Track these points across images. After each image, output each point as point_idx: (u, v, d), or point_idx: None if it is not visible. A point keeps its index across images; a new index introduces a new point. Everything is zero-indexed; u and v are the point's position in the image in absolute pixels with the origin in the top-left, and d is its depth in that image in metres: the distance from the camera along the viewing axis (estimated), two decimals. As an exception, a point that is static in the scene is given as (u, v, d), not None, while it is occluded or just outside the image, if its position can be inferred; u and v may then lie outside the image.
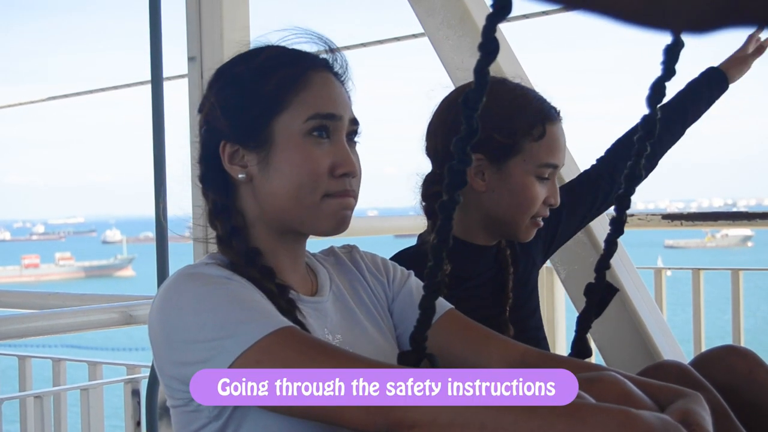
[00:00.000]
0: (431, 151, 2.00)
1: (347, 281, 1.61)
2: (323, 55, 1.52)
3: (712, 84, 2.36)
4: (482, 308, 1.73)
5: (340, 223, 1.47)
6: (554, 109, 1.97)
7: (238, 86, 1.47)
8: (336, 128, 1.46)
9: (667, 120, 2.28)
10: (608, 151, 2.27)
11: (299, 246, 1.53)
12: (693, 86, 2.35)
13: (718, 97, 2.38)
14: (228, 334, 1.29)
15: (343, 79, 1.53)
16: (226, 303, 1.33)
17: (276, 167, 1.44)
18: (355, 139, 1.51)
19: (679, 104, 2.33)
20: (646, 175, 2.28)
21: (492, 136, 1.89)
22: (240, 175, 1.46)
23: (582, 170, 2.34)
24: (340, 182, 1.45)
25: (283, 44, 1.53)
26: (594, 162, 2.29)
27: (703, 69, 2.38)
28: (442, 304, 1.61)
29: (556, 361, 1.53)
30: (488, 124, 1.78)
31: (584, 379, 1.36)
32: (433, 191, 1.95)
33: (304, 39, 1.54)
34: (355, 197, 1.49)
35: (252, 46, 1.53)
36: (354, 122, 1.50)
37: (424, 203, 1.98)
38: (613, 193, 2.24)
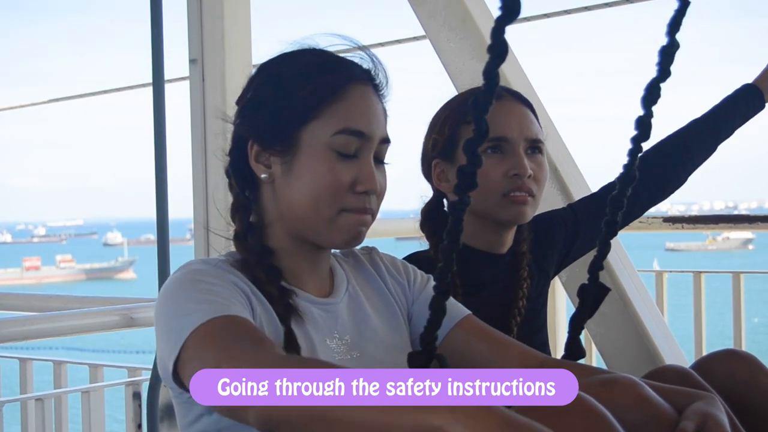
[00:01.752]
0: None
1: (365, 283, 1.61)
2: (366, 66, 1.51)
3: (748, 101, 2.33)
4: (492, 319, 1.72)
5: (353, 239, 1.47)
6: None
7: (274, 87, 1.47)
8: (364, 146, 1.45)
9: (699, 134, 2.27)
10: None
11: (320, 253, 1.52)
12: (728, 102, 2.32)
13: (753, 114, 2.35)
14: (186, 312, 1.30)
15: (382, 92, 1.52)
16: (198, 291, 1.33)
17: (298, 174, 1.43)
18: (386, 159, 1.50)
19: (712, 119, 2.30)
20: (673, 191, 2.29)
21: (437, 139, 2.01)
22: (263, 175, 1.46)
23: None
24: (360, 199, 1.44)
25: (328, 49, 1.52)
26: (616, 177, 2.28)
27: (738, 86, 2.35)
28: (461, 310, 1.61)
29: (575, 369, 1.51)
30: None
31: (600, 381, 1.36)
32: (429, 218, 2.04)
33: (349, 47, 1.53)
34: (374, 215, 1.48)
35: (298, 46, 1.52)
36: (385, 140, 1.49)
37: (423, 231, 2.05)
38: (635, 210, 2.25)
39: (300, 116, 1.44)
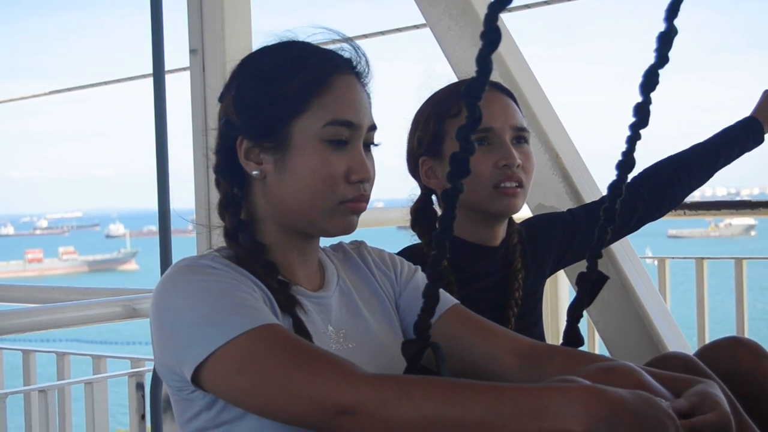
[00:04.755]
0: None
1: (355, 276, 1.62)
2: (347, 56, 1.51)
3: (748, 133, 2.40)
4: (488, 311, 1.73)
5: (348, 227, 1.49)
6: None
7: (259, 82, 1.47)
8: (353, 135, 1.46)
9: (699, 159, 2.35)
10: (633, 179, 2.31)
11: (310, 243, 1.54)
12: (729, 132, 2.40)
13: (753, 147, 2.43)
14: (213, 322, 1.31)
15: (365, 81, 1.53)
16: (216, 293, 1.34)
17: (292, 169, 1.44)
18: (373, 145, 1.52)
19: (712, 147, 2.38)
20: (670, 209, 2.39)
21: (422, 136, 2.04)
22: (254, 172, 1.47)
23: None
24: (356, 188, 1.46)
25: (309, 41, 1.52)
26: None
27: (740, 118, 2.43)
28: (448, 299, 1.62)
29: (565, 354, 1.53)
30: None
31: (599, 369, 1.37)
32: (419, 217, 2.06)
33: (329, 38, 1.54)
34: (367, 201, 1.50)
35: (278, 39, 1.52)
36: (372, 128, 1.50)
37: (414, 231, 2.06)
38: (631, 222, 2.32)
39: (289, 111, 1.44)
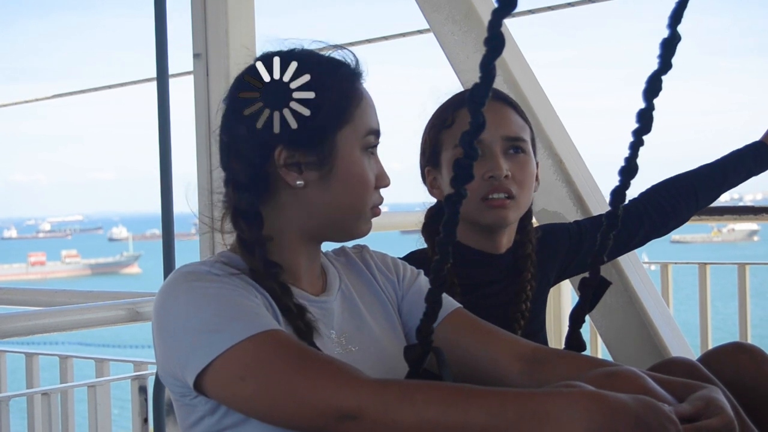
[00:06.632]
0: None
1: (357, 281, 1.62)
2: (361, 67, 1.53)
3: (756, 158, 2.40)
4: (493, 319, 1.73)
5: (369, 230, 1.54)
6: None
7: None
8: (377, 143, 1.51)
9: (706, 180, 2.36)
10: (640, 195, 2.32)
11: (317, 247, 1.55)
12: (737, 156, 2.40)
13: (760, 171, 2.43)
14: (216, 328, 1.31)
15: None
16: (217, 299, 1.34)
17: (338, 178, 1.45)
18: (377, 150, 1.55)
19: (719, 169, 2.38)
20: (675, 227, 2.39)
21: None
22: (298, 182, 1.45)
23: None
24: (379, 194, 1.51)
25: (325, 54, 1.53)
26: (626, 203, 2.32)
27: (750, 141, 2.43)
28: (451, 303, 1.62)
29: (569, 359, 1.53)
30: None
31: (602, 374, 1.37)
32: (429, 222, 2.06)
33: (332, 51, 1.54)
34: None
35: (285, 47, 1.51)
36: (379, 134, 1.53)
37: (423, 234, 2.06)
38: (637, 238, 2.32)
39: (334, 121, 1.45)
